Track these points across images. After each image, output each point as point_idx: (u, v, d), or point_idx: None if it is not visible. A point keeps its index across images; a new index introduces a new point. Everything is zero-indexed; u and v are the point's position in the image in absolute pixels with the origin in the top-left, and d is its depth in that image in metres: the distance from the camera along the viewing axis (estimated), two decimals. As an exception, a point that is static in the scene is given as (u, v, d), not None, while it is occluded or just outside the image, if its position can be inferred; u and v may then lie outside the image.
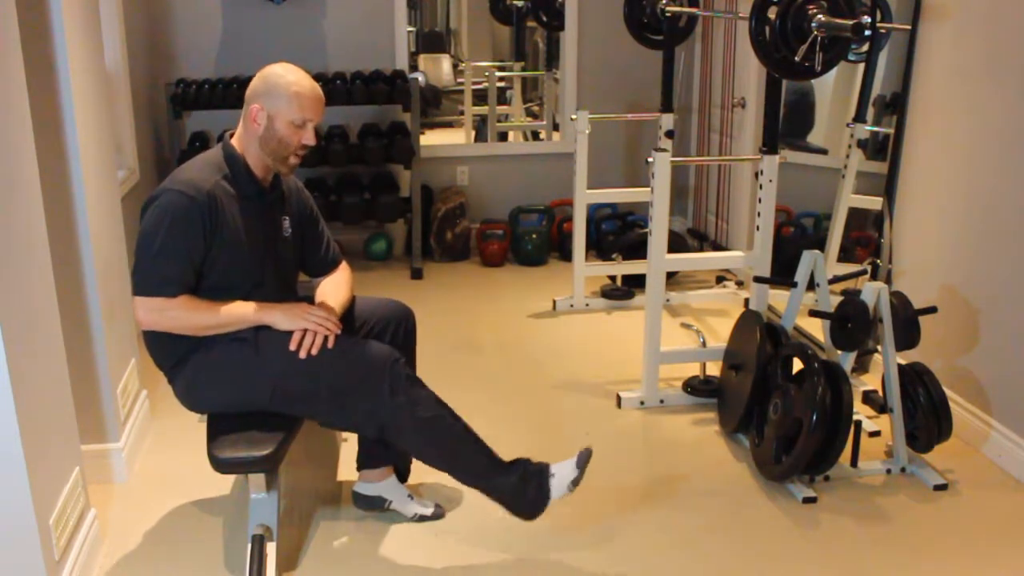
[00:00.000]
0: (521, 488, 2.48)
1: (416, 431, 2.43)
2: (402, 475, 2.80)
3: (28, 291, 2.22)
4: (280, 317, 2.38)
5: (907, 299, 3.03)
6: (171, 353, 2.42)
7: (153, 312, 2.32)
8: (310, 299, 2.64)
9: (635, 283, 4.61)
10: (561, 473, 2.50)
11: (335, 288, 2.66)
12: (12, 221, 2.13)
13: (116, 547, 2.64)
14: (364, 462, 2.72)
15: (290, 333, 2.39)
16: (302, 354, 2.34)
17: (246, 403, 2.41)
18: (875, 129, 3.98)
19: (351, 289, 2.70)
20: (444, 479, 2.98)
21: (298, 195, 2.66)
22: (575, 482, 2.49)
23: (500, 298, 4.84)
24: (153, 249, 2.30)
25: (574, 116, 4.45)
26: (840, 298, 3.14)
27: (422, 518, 2.75)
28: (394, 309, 2.73)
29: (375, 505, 2.74)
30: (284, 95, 2.37)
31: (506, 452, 3.20)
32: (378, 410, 2.39)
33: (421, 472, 2.93)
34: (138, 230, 2.35)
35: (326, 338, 2.38)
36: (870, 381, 3.62)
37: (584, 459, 2.51)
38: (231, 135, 2.48)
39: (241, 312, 2.37)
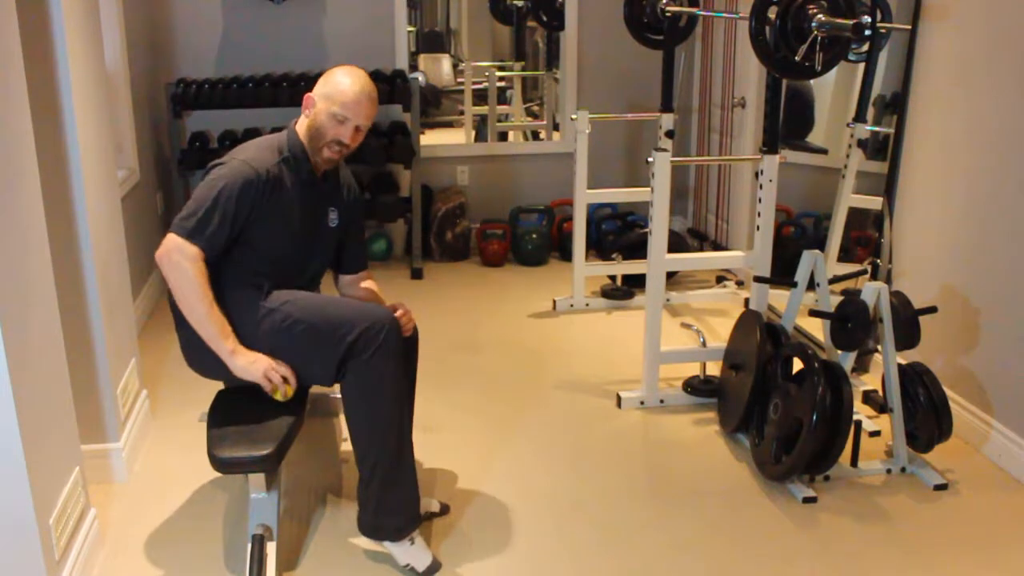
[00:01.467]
0: (386, 508, 2.48)
1: (373, 396, 2.44)
2: None
3: (28, 291, 2.22)
4: (238, 365, 2.40)
5: (907, 299, 3.03)
6: None
7: (176, 252, 2.35)
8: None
9: (635, 283, 4.61)
10: (419, 545, 2.52)
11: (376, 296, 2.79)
12: (12, 221, 2.13)
13: (116, 547, 2.64)
14: None
15: (298, 291, 2.51)
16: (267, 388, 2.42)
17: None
18: (875, 129, 3.98)
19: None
20: (445, 476, 2.98)
21: (351, 190, 2.73)
22: (412, 569, 2.50)
23: (500, 298, 4.84)
24: (205, 201, 2.37)
25: (574, 116, 4.45)
26: (840, 298, 3.14)
27: (430, 516, 2.75)
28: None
29: None
30: (333, 91, 2.46)
31: (506, 450, 3.20)
32: (368, 367, 2.41)
33: (421, 470, 2.93)
34: (199, 186, 2.44)
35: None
36: (870, 381, 3.62)
37: (434, 568, 2.51)
38: (295, 123, 2.56)
39: (218, 329, 2.38)
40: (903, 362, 3.07)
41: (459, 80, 7.06)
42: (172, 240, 2.36)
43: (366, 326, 2.40)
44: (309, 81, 4.91)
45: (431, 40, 7.36)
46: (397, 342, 2.45)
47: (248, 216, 2.41)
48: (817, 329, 3.78)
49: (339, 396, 2.49)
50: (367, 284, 2.84)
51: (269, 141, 2.54)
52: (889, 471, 3.03)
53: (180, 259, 2.34)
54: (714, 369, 3.59)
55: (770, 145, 3.36)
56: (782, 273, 3.41)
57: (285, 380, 2.42)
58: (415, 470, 2.53)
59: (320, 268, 2.71)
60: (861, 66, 4.04)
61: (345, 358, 2.40)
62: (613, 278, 4.78)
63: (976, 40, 3.20)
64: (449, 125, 7.11)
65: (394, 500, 2.48)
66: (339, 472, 3.04)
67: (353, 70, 2.52)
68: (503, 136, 6.69)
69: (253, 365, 2.40)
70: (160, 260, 2.37)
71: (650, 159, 3.35)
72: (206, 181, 2.42)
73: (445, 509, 2.79)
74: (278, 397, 2.43)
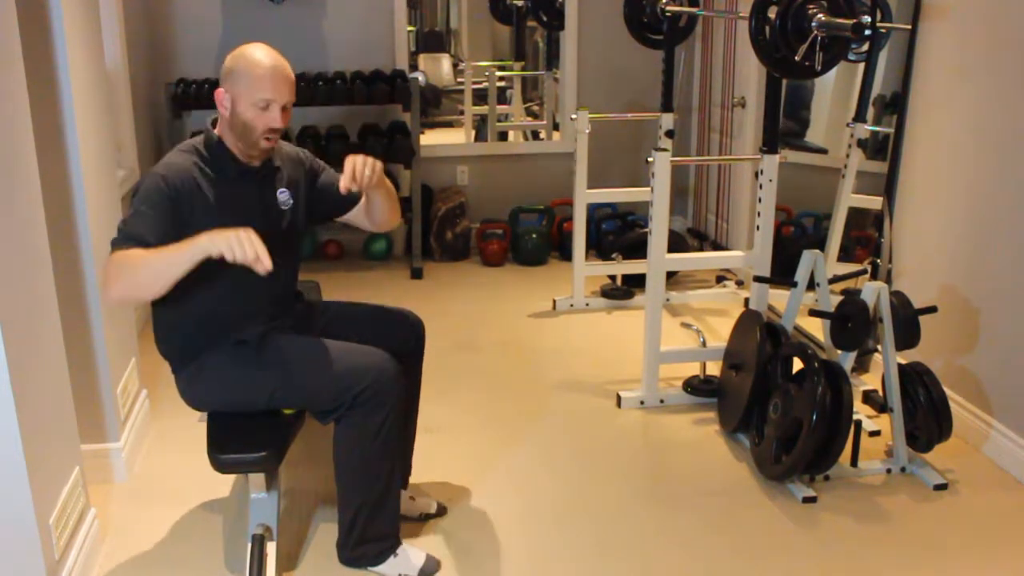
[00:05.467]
0: (368, 538, 2.47)
1: (352, 454, 2.42)
2: (403, 481, 2.78)
3: (28, 291, 2.22)
4: (205, 242, 2.09)
5: (907, 299, 3.03)
6: (178, 347, 2.43)
7: (107, 265, 2.17)
8: (302, 298, 2.66)
9: (635, 283, 4.61)
10: (404, 553, 2.49)
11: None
12: (12, 221, 2.13)
13: (116, 547, 2.64)
14: None
15: (292, 343, 2.41)
16: (232, 256, 2.08)
17: (247, 402, 2.41)
18: (875, 129, 3.98)
19: (392, 191, 2.58)
20: (444, 476, 2.98)
21: (291, 160, 2.56)
22: None
23: (500, 298, 4.84)
24: (127, 219, 2.24)
25: (574, 116, 4.45)
26: (840, 298, 3.14)
27: (427, 516, 2.75)
28: (406, 318, 2.72)
29: None
30: (243, 76, 2.29)
31: (506, 450, 3.20)
32: (354, 409, 2.37)
33: (421, 471, 2.93)
34: None
35: None
36: (870, 381, 3.62)
37: (431, 568, 2.50)
38: (211, 122, 2.43)
39: (173, 249, 2.14)
40: (903, 362, 3.07)
41: (459, 80, 7.06)
42: (106, 261, 2.19)
43: (366, 384, 2.33)
44: (309, 81, 4.91)
45: (431, 40, 7.35)
46: (398, 392, 2.40)
47: (174, 220, 2.23)
48: (817, 329, 3.78)
49: None
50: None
51: (188, 144, 2.40)
52: (889, 471, 3.03)
53: (111, 267, 2.15)
54: (714, 369, 3.59)
55: (770, 145, 3.36)
56: (782, 273, 3.41)
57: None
58: (399, 493, 2.53)
59: (288, 252, 2.51)
60: (861, 66, 4.04)
61: (339, 413, 2.37)
62: (613, 278, 4.78)
63: (976, 40, 3.19)
64: (449, 125, 7.11)
65: (375, 530, 2.47)
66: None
67: (259, 47, 2.34)
68: (503, 136, 6.68)
69: (213, 238, 2.09)
70: (105, 284, 2.17)
71: (650, 159, 3.35)
72: (131, 204, 2.27)
73: (442, 510, 2.79)
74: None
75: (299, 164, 2.60)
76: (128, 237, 2.19)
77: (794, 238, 4.56)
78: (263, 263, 2.08)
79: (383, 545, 2.48)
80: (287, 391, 2.39)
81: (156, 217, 2.22)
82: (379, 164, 2.31)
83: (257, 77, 2.29)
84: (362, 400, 2.34)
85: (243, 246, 2.07)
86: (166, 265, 2.12)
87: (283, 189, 2.50)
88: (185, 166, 2.32)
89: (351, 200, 2.60)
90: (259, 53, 2.33)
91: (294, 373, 2.38)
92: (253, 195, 2.45)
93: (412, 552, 2.52)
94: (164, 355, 2.48)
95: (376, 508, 2.45)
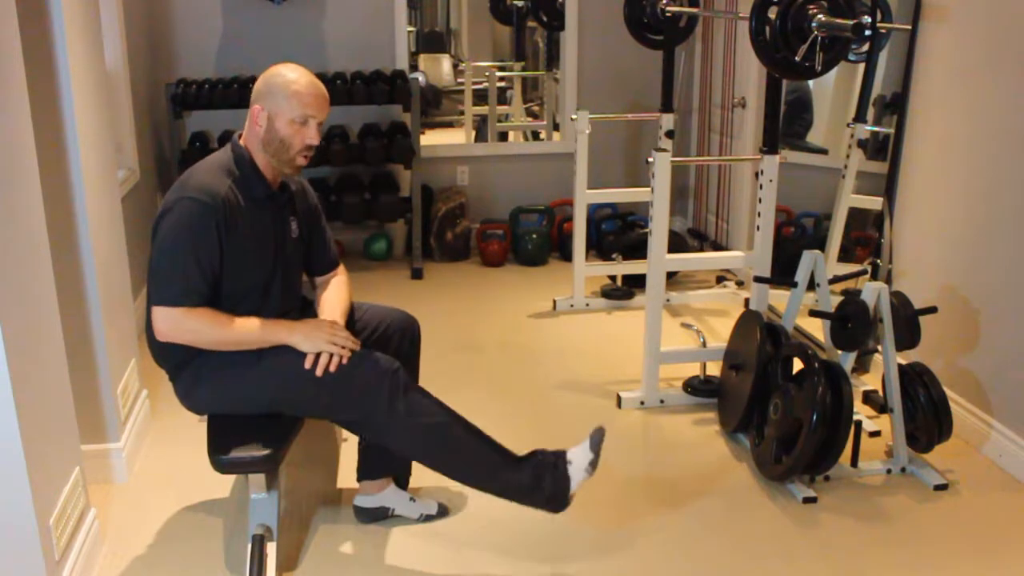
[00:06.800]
0: (536, 483, 2.43)
1: (416, 439, 2.42)
2: (402, 482, 2.78)
3: (28, 291, 2.22)
4: (301, 339, 2.35)
5: (907, 299, 3.03)
6: (173, 356, 2.41)
7: (174, 323, 2.28)
8: (311, 303, 2.65)
9: (635, 283, 4.61)
10: (577, 459, 2.44)
11: (338, 298, 2.62)
12: (12, 221, 2.13)
13: (116, 547, 2.64)
14: (364, 474, 2.70)
15: (290, 349, 2.39)
16: (318, 372, 2.32)
17: (247, 406, 2.41)
18: (875, 129, 3.98)
19: (350, 295, 2.68)
20: (445, 480, 2.98)
21: (303, 194, 2.63)
22: (592, 464, 2.42)
23: (500, 298, 4.84)
24: (173, 259, 2.27)
25: (574, 116, 4.45)
26: (840, 298, 3.14)
27: (428, 518, 2.74)
28: (400, 319, 2.71)
29: (378, 516, 2.72)
30: (282, 93, 2.34)
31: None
32: (377, 417, 2.37)
33: (421, 471, 2.93)
34: (155, 240, 2.31)
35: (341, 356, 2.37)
36: (870, 381, 3.62)
37: (597, 440, 2.44)
38: (239, 136, 2.44)
39: (262, 331, 2.34)
40: (903, 362, 3.07)
41: (459, 80, 7.07)
42: (161, 316, 2.27)
43: (387, 377, 2.36)
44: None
45: (431, 40, 7.36)
46: (407, 377, 2.41)
47: (220, 248, 2.30)
48: (817, 329, 3.78)
49: None
50: (336, 280, 2.71)
51: (213, 164, 2.39)
52: (889, 471, 3.03)
53: (180, 326, 2.28)
54: (714, 369, 3.59)
55: (770, 145, 3.36)
56: (782, 273, 3.41)
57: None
58: (483, 453, 2.50)
59: (293, 282, 2.59)
60: (861, 66, 4.04)
61: (380, 413, 2.38)
62: (613, 278, 4.78)
63: (976, 40, 3.20)
64: (449, 125, 7.11)
65: (510, 484, 2.48)
66: (339, 476, 3.03)
67: (293, 67, 2.39)
68: (503, 136, 6.68)
69: (313, 337, 2.35)
70: (167, 339, 2.31)
71: (650, 159, 3.35)
72: (165, 236, 2.29)
73: (443, 511, 2.79)
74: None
75: (308, 200, 2.65)
76: (182, 295, 2.27)
77: (794, 238, 4.56)
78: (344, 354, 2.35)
79: (535, 471, 2.45)
80: (286, 395, 2.39)
81: (202, 261, 2.28)
82: (350, 349, 2.39)
83: (296, 93, 2.34)
84: (371, 415, 2.37)
85: (337, 349, 2.34)
86: (248, 343, 2.35)
87: (294, 218, 2.56)
88: (222, 190, 2.32)
89: (319, 270, 2.71)
90: (296, 71, 2.38)
91: (291, 378, 2.37)
92: (275, 220, 2.48)
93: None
94: (159, 363, 2.48)
95: (486, 479, 2.47)
